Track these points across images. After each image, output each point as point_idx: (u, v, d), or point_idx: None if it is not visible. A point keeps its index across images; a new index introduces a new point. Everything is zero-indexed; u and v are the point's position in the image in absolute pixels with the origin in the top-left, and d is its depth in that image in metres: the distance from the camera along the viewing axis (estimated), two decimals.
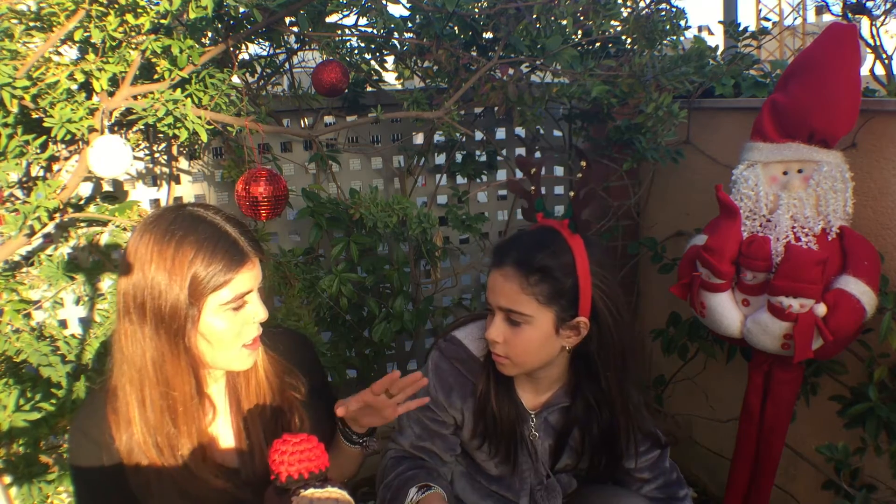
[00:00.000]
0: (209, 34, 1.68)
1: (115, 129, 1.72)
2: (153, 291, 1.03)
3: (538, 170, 1.36)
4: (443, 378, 1.39)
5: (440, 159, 2.37)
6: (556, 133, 2.45)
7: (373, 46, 2.07)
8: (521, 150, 2.47)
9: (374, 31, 1.98)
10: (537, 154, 2.42)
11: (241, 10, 1.50)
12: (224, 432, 1.20)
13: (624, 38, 2.11)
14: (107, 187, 2.02)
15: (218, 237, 1.06)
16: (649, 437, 1.44)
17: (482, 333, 1.36)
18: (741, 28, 2.06)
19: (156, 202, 2.13)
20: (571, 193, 1.33)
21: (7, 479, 1.62)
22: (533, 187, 1.36)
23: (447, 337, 1.43)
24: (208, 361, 1.11)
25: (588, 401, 1.35)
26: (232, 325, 1.08)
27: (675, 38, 1.98)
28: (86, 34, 1.44)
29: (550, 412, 1.39)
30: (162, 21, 1.41)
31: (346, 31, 2.00)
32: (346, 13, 1.94)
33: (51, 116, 1.40)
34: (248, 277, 1.08)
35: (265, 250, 1.16)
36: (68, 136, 1.43)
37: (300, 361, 1.29)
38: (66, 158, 1.73)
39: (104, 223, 1.89)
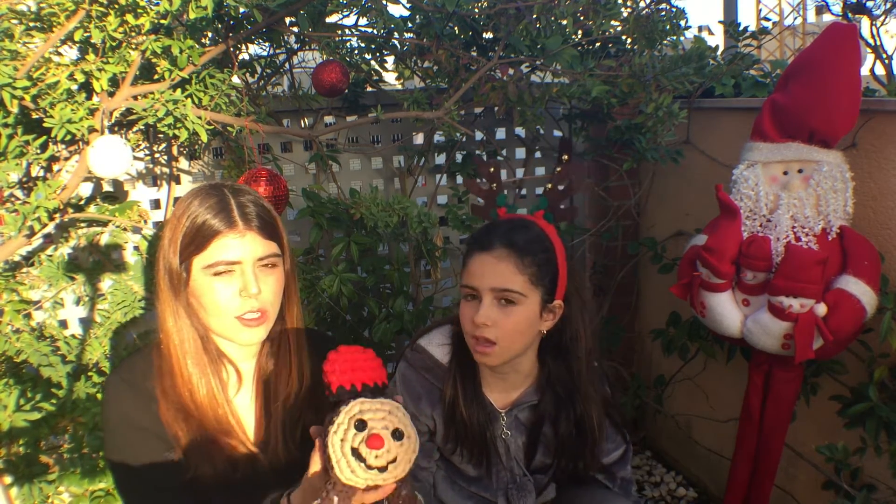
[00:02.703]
0: (209, 34, 1.68)
1: (115, 129, 1.72)
2: (164, 249, 1.13)
3: (497, 170, 1.43)
4: (410, 387, 1.40)
5: (440, 159, 2.37)
6: (556, 133, 2.45)
7: (373, 46, 2.07)
8: (521, 150, 2.47)
9: (374, 31, 1.98)
10: (537, 154, 2.43)
11: (241, 10, 1.50)
12: (245, 413, 1.21)
13: (624, 38, 2.10)
14: (107, 187, 2.02)
15: (215, 203, 1.10)
16: (619, 433, 1.46)
17: (445, 339, 1.38)
18: (741, 28, 2.06)
19: (156, 202, 2.13)
20: (548, 186, 1.39)
21: (7, 479, 1.62)
22: (495, 184, 1.42)
23: (412, 346, 1.43)
24: (206, 324, 1.15)
25: (558, 395, 1.37)
26: (219, 293, 1.10)
27: (675, 38, 1.98)
28: (86, 34, 1.44)
29: (521, 410, 1.40)
30: (162, 21, 1.41)
31: (346, 31, 2.00)
32: (346, 13, 1.94)
33: (51, 117, 1.40)
34: (233, 245, 1.09)
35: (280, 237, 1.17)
36: (68, 137, 1.43)
37: None
38: (66, 158, 1.73)
39: (104, 223, 1.90)
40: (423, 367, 1.40)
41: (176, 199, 2.09)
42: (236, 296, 1.10)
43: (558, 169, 1.42)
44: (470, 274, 1.30)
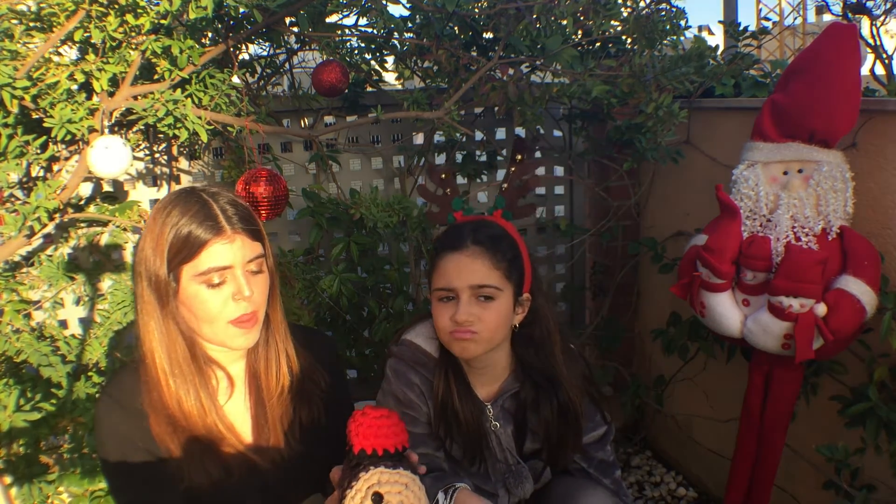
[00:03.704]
0: (209, 34, 1.68)
1: (116, 129, 1.72)
2: (147, 260, 1.09)
3: (449, 175, 1.45)
4: (404, 378, 1.39)
5: (440, 159, 2.37)
6: (556, 133, 2.45)
7: (373, 46, 2.07)
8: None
9: (374, 31, 1.98)
10: (538, 154, 2.42)
11: (241, 10, 1.50)
12: (239, 415, 1.21)
13: (624, 38, 2.10)
14: (107, 187, 2.02)
15: (198, 210, 1.09)
16: (598, 412, 1.47)
17: (433, 334, 1.38)
18: (741, 28, 2.06)
19: (156, 202, 2.13)
20: (504, 186, 1.41)
21: (7, 479, 1.62)
22: (448, 189, 1.44)
23: (398, 342, 1.43)
24: (197, 332, 1.13)
25: (536, 383, 1.38)
26: (211, 300, 1.09)
27: (675, 38, 1.98)
28: (86, 34, 1.44)
29: (504, 399, 1.41)
30: (162, 21, 1.41)
31: (346, 31, 2.00)
32: (346, 13, 1.94)
33: (51, 117, 1.40)
34: (223, 251, 1.08)
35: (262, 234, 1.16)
36: (68, 137, 1.43)
37: (324, 361, 1.31)
38: (66, 158, 1.73)
39: (104, 223, 1.90)
40: (415, 360, 1.40)
41: None
42: (229, 300, 1.10)
43: (513, 168, 1.45)
44: (444, 275, 1.30)
